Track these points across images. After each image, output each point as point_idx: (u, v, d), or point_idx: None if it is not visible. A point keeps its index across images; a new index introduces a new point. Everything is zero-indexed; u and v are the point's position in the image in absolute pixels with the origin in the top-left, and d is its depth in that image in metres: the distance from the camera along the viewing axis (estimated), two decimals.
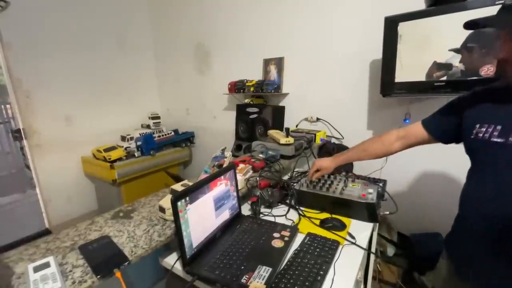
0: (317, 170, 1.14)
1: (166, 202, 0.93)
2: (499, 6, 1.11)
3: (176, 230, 0.73)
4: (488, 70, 1.19)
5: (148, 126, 2.96)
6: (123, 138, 2.69)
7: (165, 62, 3.15)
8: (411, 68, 1.42)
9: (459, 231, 0.81)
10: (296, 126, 2.16)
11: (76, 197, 2.68)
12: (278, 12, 2.12)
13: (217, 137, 2.81)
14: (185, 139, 2.99)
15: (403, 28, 1.39)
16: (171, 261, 0.84)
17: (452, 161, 1.40)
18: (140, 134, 2.73)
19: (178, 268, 0.81)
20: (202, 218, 0.83)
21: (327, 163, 1.12)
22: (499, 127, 0.66)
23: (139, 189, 2.54)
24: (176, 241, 0.82)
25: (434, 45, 1.33)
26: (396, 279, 1.62)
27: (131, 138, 2.68)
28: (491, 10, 1.11)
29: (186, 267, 0.75)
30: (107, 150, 2.49)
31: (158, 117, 3.03)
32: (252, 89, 2.18)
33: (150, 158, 2.64)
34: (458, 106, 0.80)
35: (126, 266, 0.70)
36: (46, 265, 0.66)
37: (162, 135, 2.85)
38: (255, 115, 2.25)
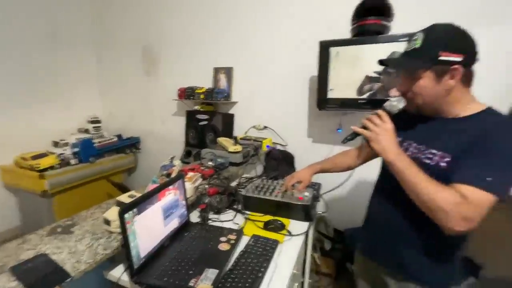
0: (297, 182, 1.18)
1: (111, 214, 0.92)
2: (403, 42, 1.39)
3: (123, 242, 0.74)
4: (395, 92, 1.48)
5: (86, 131, 2.73)
6: (55, 144, 2.43)
7: (107, 62, 2.95)
8: (341, 86, 1.66)
9: (366, 222, 1.01)
10: (245, 133, 2.26)
11: None
12: (229, 23, 2.21)
13: (165, 143, 2.75)
14: (129, 145, 2.83)
15: (334, 51, 1.62)
16: (117, 273, 0.83)
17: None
18: (77, 140, 2.50)
19: (125, 279, 0.81)
20: (150, 228, 0.85)
21: (305, 172, 1.18)
22: (399, 139, 0.84)
23: (76, 201, 2.32)
24: (122, 253, 0.82)
25: (360, 67, 1.58)
26: (332, 270, 1.84)
27: (66, 144, 2.43)
28: (397, 45, 1.40)
29: (134, 277, 0.77)
30: (35, 157, 2.21)
31: (99, 121, 2.82)
32: (202, 96, 2.22)
33: (89, 166, 2.44)
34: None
35: (68, 282, 0.69)
36: None
37: (104, 141, 2.65)
38: (205, 122, 2.29)
